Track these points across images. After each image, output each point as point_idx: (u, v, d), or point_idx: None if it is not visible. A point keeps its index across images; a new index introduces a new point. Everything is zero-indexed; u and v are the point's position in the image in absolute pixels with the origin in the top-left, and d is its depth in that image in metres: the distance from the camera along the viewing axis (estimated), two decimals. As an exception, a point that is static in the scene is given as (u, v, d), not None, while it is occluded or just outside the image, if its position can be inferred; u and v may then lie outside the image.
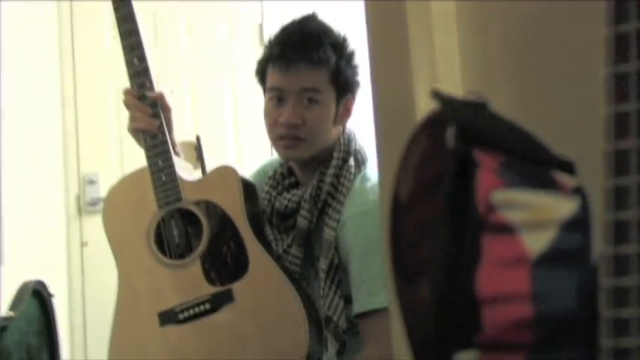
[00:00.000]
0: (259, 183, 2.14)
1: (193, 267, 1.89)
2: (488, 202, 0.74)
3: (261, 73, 2.05)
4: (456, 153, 0.75)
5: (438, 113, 0.82)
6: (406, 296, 0.79)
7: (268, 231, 2.08)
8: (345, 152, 2.02)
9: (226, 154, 4.32)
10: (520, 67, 1.22)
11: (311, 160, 2.02)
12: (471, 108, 0.82)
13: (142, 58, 1.92)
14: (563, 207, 0.74)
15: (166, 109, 1.98)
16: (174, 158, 1.94)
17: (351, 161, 2.02)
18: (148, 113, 1.94)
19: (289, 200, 2.04)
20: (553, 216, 0.74)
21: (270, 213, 2.08)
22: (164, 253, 1.94)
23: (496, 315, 0.72)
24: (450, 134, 0.76)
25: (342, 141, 2.03)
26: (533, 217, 0.74)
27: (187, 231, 1.94)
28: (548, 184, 0.76)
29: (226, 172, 1.95)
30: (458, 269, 0.73)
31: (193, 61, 4.47)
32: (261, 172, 2.24)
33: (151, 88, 1.94)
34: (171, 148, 1.94)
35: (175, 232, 1.93)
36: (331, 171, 2.00)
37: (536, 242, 0.73)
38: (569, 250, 0.74)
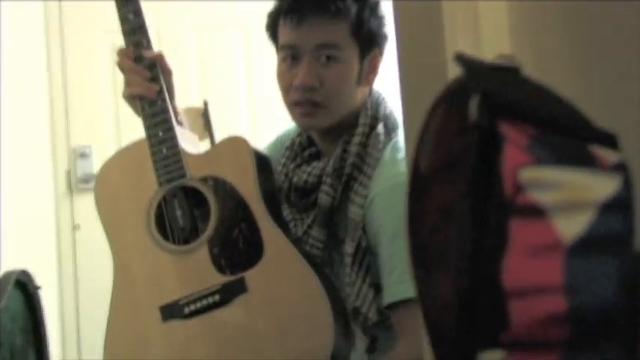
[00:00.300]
0: (275, 156, 2.15)
1: (200, 253, 1.90)
2: (516, 182, 0.74)
3: (272, 29, 2.06)
4: (478, 126, 0.76)
5: (461, 80, 0.82)
6: (425, 287, 0.81)
7: (286, 210, 2.09)
8: (373, 117, 2.03)
9: (239, 122, 4.32)
10: (575, 31, 1.21)
11: (333, 127, 2.03)
12: (500, 74, 0.83)
13: (138, 13, 1.94)
14: (602, 186, 0.75)
15: (167, 72, 2.00)
16: (177, 128, 1.95)
17: (380, 128, 2.02)
18: (146, 77, 1.96)
19: (309, 174, 2.05)
20: (590, 196, 0.75)
21: (287, 189, 2.09)
22: (166, 238, 1.95)
23: (525, 309, 0.72)
24: (473, 105, 0.76)
25: (368, 105, 2.04)
26: (567, 197, 0.75)
27: (193, 212, 1.95)
28: (586, 160, 0.77)
29: (237, 143, 1.96)
30: (482, 258, 0.74)
31: (199, 14, 4.44)
32: (278, 144, 2.25)
33: (149, 47, 1.96)
34: (172, 116, 1.95)
35: (179, 213, 1.94)
36: (357, 139, 2.01)
37: (570, 226, 0.74)
38: (609, 236, 0.74)
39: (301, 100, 1.98)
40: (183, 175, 1.93)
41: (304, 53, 1.98)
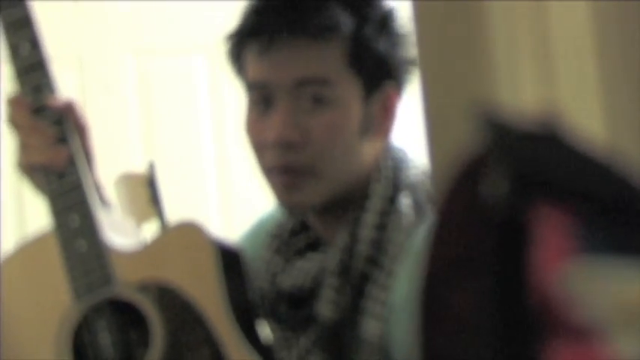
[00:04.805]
0: (256, 249, 1.85)
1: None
2: (555, 285, 0.68)
3: (237, 60, 1.79)
4: (501, 210, 0.71)
5: (486, 152, 0.79)
6: None
7: (272, 327, 1.81)
8: (392, 185, 1.73)
9: (204, 193, 3.97)
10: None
11: (333, 203, 1.72)
12: (536, 142, 0.78)
13: (36, 41, 1.69)
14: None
15: (81, 128, 1.74)
16: (100, 211, 1.73)
17: (403, 200, 1.73)
18: (50, 138, 1.70)
19: (304, 272, 1.74)
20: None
21: (272, 297, 1.80)
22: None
23: None
24: (496, 180, 0.72)
25: (383, 171, 1.73)
26: (633, 307, 0.69)
27: (127, 337, 1.71)
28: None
29: (189, 232, 1.74)
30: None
31: (141, 32, 4.05)
32: (258, 232, 1.93)
33: (53, 91, 1.70)
34: (92, 193, 1.72)
35: (107, 339, 1.70)
36: (370, 219, 1.70)
37: (635, 351, 0.67)
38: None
39: (277, 164, 1.69)
40: (109, 283, 1.70)
41: (279, 94, 1.71)
